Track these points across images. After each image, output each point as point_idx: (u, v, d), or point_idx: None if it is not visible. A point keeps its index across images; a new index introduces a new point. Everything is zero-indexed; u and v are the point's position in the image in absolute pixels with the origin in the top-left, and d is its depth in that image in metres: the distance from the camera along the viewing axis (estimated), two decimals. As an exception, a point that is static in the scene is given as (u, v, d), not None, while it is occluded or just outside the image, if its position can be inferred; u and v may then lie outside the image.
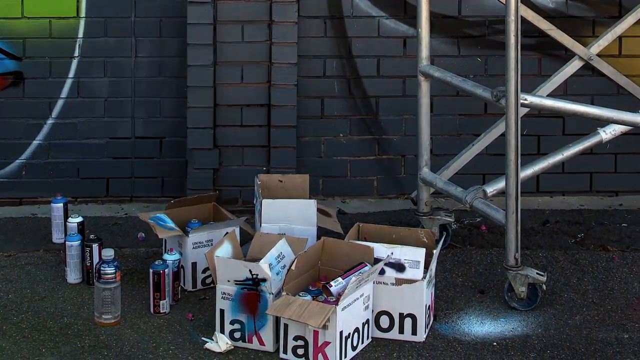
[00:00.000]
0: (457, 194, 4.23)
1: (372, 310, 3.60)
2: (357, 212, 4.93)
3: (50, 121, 5.08)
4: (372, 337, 3.60)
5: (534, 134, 5.14)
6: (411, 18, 5.01)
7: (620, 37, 4.99)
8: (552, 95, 4.64)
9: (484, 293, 4.01)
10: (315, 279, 3.71)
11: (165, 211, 4.15)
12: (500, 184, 4.10)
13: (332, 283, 3.56)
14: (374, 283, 3.58)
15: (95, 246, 4.04)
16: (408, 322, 3.59)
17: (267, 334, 3.50)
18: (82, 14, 5.04)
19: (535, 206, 5.03)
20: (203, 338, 3.59)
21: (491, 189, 4.16)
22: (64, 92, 5.07)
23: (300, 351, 3.41)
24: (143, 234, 4.54)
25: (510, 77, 3.74)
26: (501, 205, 3.93)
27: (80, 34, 5.05)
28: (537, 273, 3.85)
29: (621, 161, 5.21)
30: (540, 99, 4.00)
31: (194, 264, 4.01)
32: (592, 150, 4.62)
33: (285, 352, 3.44)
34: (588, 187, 5.22)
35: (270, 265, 3.52)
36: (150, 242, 4.45)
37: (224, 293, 3.54)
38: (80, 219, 4.26)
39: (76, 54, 5.06)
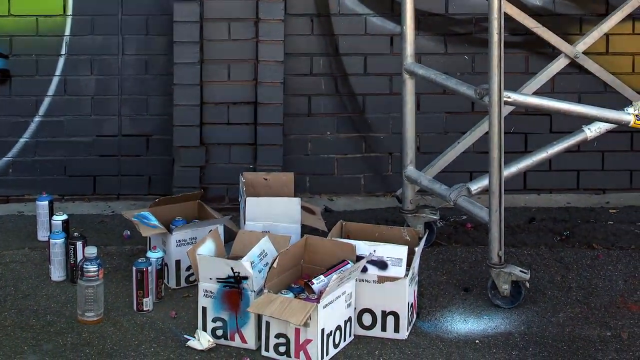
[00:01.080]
0: (442, 192, 4.22)
1: (355, 308, 3.59)
2: (343, 210, 4.92)
3: (37, 119, 5.07)
4: (354, 335, 3.60)
5: (521, 132, 5.13)
6: (398, 16, 4.94)
7: (607, 35, 4.99)
8: (538, 93, 4.64)
9: (467, 291, 4.00)
10: (298, 276, 3.70)
11: (150, 209, 4.15)
12: (485, 182, 4.08)
13: (314, 281, 3.56)
14: (356, 281, 3.58)
15: (79, 244, 4.03)
16: (390, 319, 3.59)
17: (249, 331, 3.50)
18: (69, 11, 5.04)
19: (522, 204, 5.02)
20: (185, 336, 3.58)
21: (475, 186, 4.15)
22: (51, 89, 5.06)
23: (282, 349, 3.41)
24: (128, 232, 4.53)
25: (493, 74, 3.75)
26: (487, 203, 3.92)
27: (67, 32, 5.04)
28: (521, 271, 3.85)
29: (608, 159, 5.20)
30: (524, 97, 4.00)
31: (178, 262, 4.00)
32: (579, 148, 4.63)
33: (267, 349, 3.44)
34: (575, 184, 5.21)
35: (252, 263, 3.51)
36: (135, 239, 4.43)
37: (206, 291, 3.54)
38: (64, 217, 4.26)
39: (63, 51, 5.05)
